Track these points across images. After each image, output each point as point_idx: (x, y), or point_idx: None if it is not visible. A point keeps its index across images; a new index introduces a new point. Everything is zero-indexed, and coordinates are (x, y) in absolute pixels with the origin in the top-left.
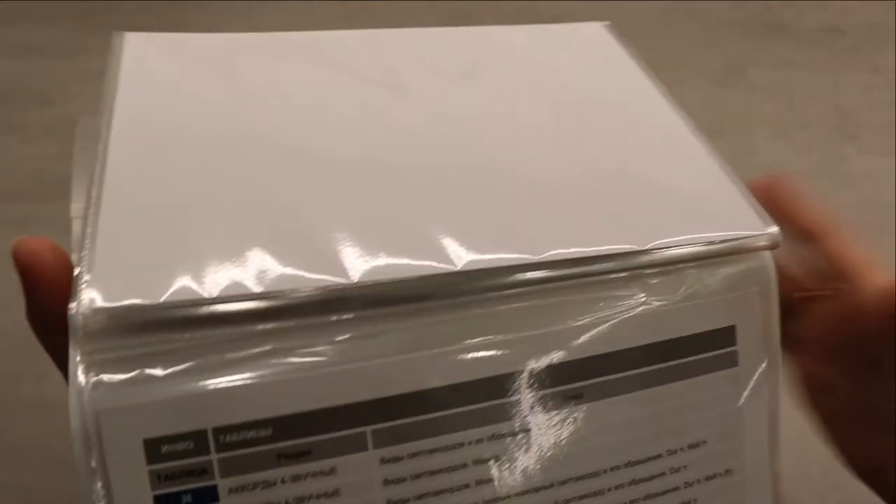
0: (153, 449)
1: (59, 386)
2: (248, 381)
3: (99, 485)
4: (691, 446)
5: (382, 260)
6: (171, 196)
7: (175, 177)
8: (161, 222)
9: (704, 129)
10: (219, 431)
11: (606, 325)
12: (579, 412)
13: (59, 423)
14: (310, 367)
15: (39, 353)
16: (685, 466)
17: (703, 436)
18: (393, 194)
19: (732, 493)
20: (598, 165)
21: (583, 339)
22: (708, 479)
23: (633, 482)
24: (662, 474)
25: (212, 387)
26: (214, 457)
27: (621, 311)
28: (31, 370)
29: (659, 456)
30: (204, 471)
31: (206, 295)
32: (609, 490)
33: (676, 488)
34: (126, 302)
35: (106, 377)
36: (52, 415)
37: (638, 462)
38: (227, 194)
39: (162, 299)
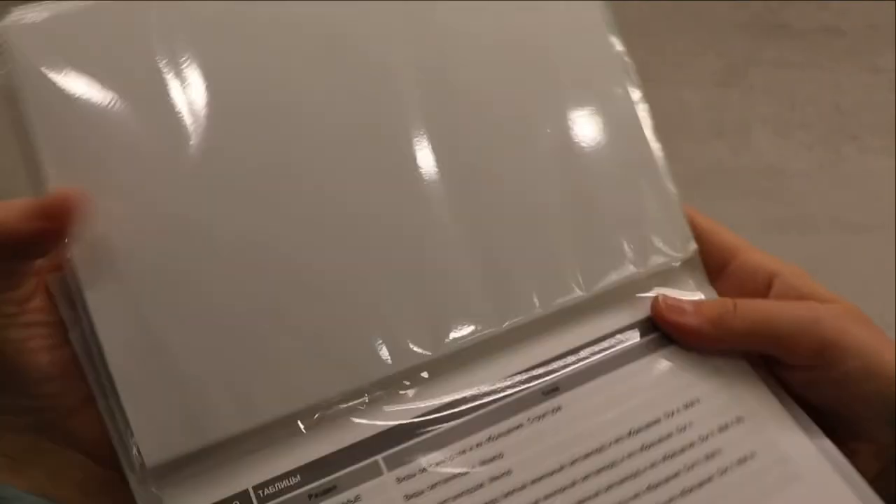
0: None
1: None
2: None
3: None
4: (686, 406)
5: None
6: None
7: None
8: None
9: (705, 129)
10: (257, 488)
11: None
12: (562, 400)
13: None
14: None
15: None
16: (690, 423)
17: (694, 395)
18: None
19: (755, 435)
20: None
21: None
22: (721, 429)
23: (644, 447)
24: (670, 435)
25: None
26: None
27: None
28: None
29: (658, 420)
30: None
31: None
32: (622, 459)
33: (692, 444)
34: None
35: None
36: None
37: (640, 429)
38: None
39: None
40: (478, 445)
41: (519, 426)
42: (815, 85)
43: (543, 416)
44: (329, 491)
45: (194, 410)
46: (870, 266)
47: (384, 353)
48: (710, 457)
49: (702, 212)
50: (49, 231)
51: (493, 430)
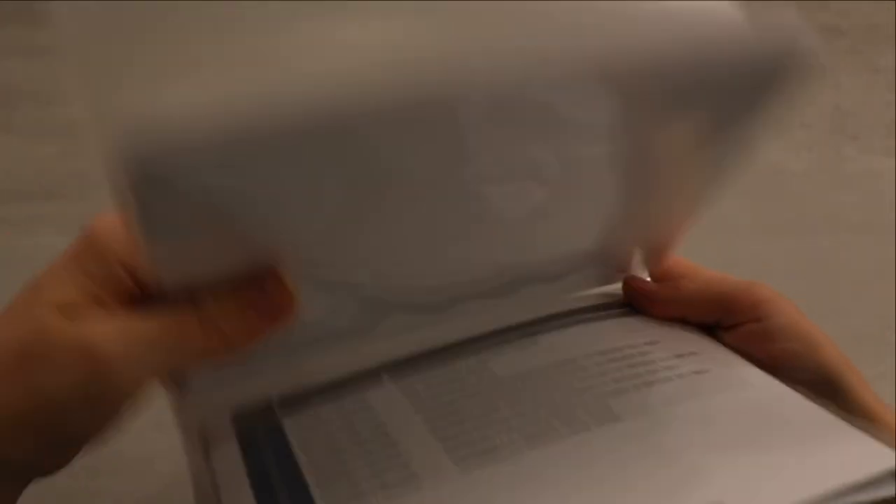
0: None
1: None
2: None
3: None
4: (647, 343)
5: None
6: None
7: None
8: None
9: None
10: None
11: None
12: (540, 338)
13: None
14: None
15: None
16: (651, 352)
17: (654, 337)
18: None
19: (709, 361)
20: None
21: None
22: (678, 356)
23: (610, 360)
24: (633, 356)
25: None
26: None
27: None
28: None
29: (622, 348)
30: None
31: None
32: (591, 366)
33: (653, 361)
34: None
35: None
36: None
37: (607, 351)
38: None
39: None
40: (471, 371)
41: (501, 344)
42: (814, 85)
43: (523, 344)
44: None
45: None
46: (870, 266)
47: None
48: (669, 368)
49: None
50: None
51: (484, 354)
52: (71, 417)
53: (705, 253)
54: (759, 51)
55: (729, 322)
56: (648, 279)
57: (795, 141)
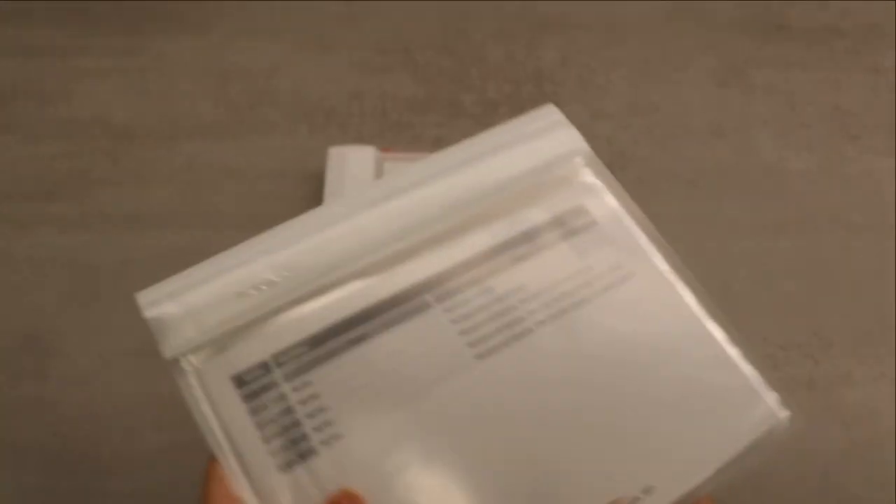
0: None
1: (59, 386)
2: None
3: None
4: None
5: None
6: None
7: None
8: None
9: (705, 129)
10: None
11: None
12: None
13: (59, 423)
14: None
15: (39, 352)
16: (588, 280)
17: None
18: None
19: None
20: None
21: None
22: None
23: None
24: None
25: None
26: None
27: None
28: (31, 370)
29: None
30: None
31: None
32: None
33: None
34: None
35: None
36: (52, 415)
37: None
38: None
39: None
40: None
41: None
42: (815, 85)
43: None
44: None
45: None
46: (870, 266)
47: None
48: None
49: (702, 211)
50: None
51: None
52: None
53: (706, 252)
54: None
55: None
56: None
57: (796, 141)
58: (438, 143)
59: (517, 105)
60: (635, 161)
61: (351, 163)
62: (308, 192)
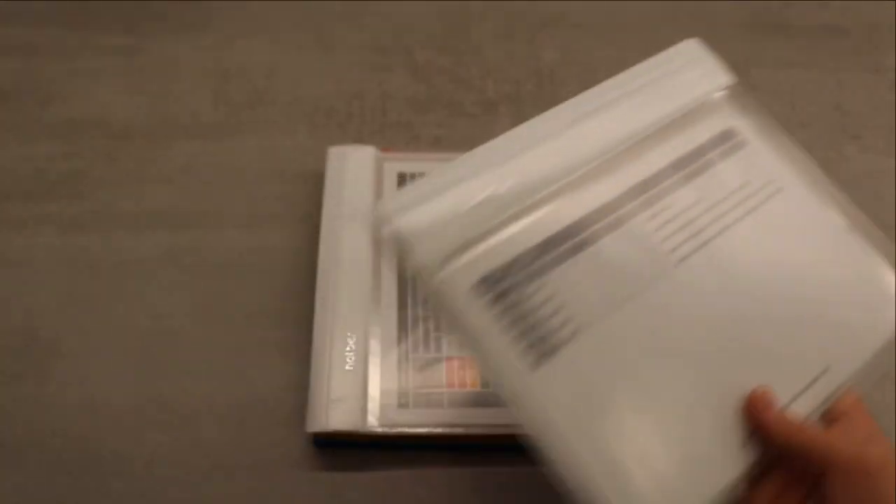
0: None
1: (59, 386)
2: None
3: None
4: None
5: None
6: None
7: None
8: None
9: None
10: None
11: None
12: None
13: (59, 423)
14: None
15: (39, 352)
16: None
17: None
18: None
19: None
20: None
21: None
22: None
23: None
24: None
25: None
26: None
27: None
28: (31, 370)
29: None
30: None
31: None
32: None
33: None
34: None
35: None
36: (52, 415)
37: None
38: None
39: None
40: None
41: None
42: (816, 84)
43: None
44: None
45: None
46: None
47: None
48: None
49: None
50: None
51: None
52: None
53: None
54: None
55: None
56: None
57: (797, 140)
58: (438, 143)
59: (517, 105)
60: None
61: (351, 163)
62: (307, 191)
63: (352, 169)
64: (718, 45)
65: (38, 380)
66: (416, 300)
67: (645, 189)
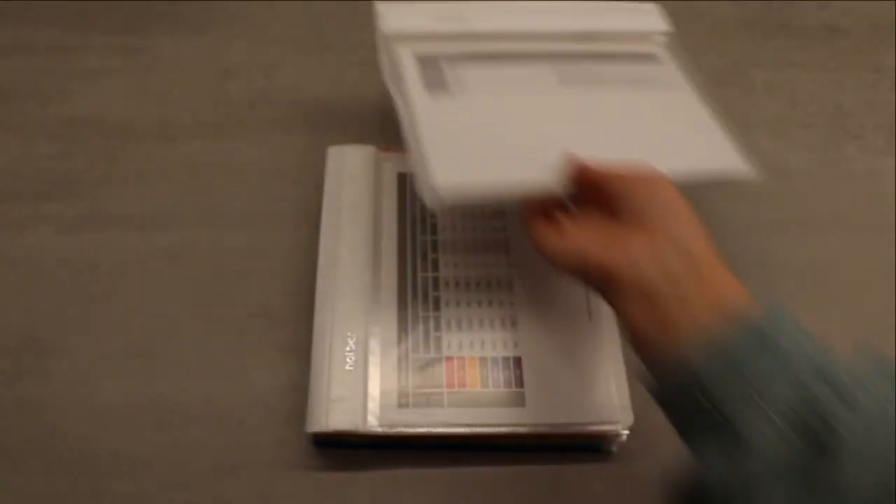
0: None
1: (58, 386)
2: None
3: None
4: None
5: None
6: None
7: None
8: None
9: None
10: None
11: None
12: None
13: (59, 423)
14: None
15: (39, 352)
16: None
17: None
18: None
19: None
20: None
21: None
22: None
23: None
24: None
25: None
26: None
27: None
28: (30, 370)
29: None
30: None
31: None
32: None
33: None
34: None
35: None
36: (52, 415)
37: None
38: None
39: None
40: None
41: None
42: (816, 84)
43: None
44: None
45: None
46: (871, 266)
47: None
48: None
49: (702, 211)
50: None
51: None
52: None
53: None
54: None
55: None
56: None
57: (797, 140)
58: None
59: None
60: None
61: (351, 162)
62: (307, 191)
63: (351, 168)
64: (719, 44)
65: (38, 380)
66: (416, 300)
67: (565, 42)
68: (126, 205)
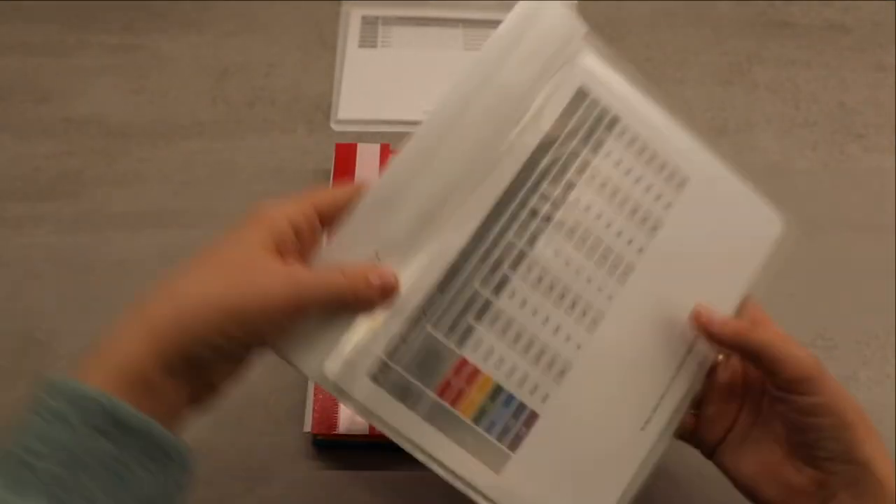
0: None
1: None
2: None
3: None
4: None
5: None
6: None
7: None
8: None
9: (708, 127)
10: None
11: None
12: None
13: None
14: None
15: (39, 352)
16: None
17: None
18: None
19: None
20: None
21: None
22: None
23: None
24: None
25: None
26: None
27: None
28: (29, 370)
29: None
30: None
31: None
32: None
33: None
34: None
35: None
36: None
37: None
38: None
39: None
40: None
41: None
42: (819, 83)
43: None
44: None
45: None
46: (874, 265)
47: None
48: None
49: None
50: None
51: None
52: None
53: None
54: None
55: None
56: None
57: (800, 139)
58: None
59: None
60: None
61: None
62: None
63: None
64: (721, 43)
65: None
66: (480, 268)
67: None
68: (124, 204)
